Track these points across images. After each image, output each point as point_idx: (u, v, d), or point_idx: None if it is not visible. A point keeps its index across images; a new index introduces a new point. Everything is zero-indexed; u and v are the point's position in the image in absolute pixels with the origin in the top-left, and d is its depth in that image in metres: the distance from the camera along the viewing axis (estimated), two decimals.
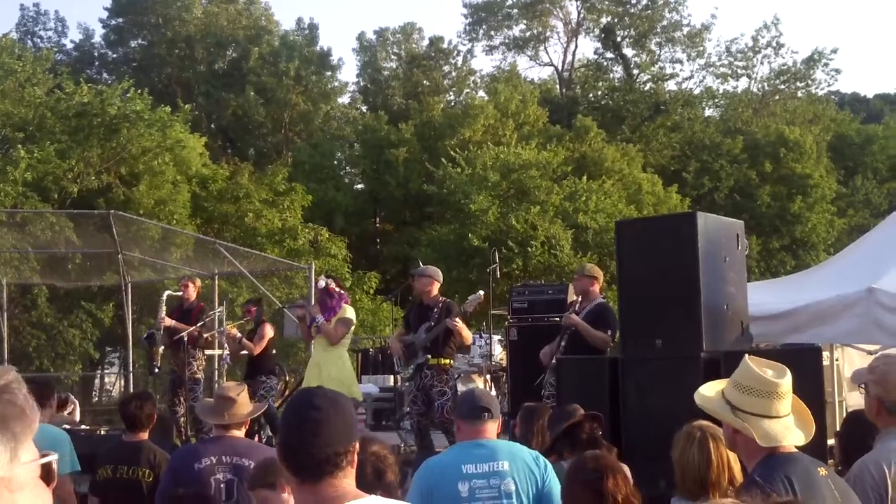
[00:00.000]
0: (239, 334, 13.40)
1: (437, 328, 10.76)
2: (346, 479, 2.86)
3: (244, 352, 13.49)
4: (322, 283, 11.98)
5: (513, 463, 5.38)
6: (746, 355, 4.17)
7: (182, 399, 13.30)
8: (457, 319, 10.72)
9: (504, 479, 5.31)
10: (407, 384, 12.28)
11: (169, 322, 13.45)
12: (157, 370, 14.29)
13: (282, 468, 2.95)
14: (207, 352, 14.86)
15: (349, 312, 11.78)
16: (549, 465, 5.57)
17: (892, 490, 4.51)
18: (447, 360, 11.01)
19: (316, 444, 2.82)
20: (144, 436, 7.23)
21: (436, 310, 10.94)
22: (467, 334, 11.14)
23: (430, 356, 10.88)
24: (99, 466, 7.15)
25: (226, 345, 13.92)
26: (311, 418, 2.86)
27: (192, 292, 13.86)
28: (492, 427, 5.51)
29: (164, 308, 13.66)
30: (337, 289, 11.91)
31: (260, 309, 13.96)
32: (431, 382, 10.87)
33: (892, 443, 4.72)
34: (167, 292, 14.23)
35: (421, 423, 11.10)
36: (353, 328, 11.98)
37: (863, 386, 4.96)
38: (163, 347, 13.68)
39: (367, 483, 4.12)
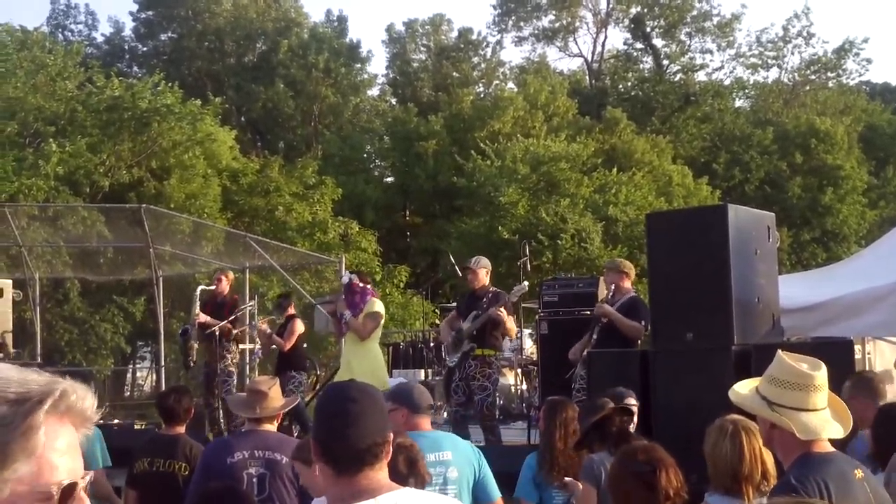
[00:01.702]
0: (269, 329, 13.16)
1: (482, 317, 10.71)
2: (382, 472, 2.87)
3: (274, 346, 13.31)
4: (345, 279, 11.94)
5: (455, 452, 5.63)
6: (780, 350, 4.14)
7: (216, 392, 13.24)
8: (501, 309, 10.64)
9: (448, 467, 5.54)
10: (443, 374, 12.21)
11: (203, 318, 13.32)
12: (192, 364, 14.18)
13: (318, 462, 2.93)
14: (240, 346, 14.78)
15: (377, 306, 11.68)
16: (482, 454, 5.85)
17: None
18: (491, 351, 10.91)
19: (354, 436, 2.82)
20: (181, 429, 7.27)
21: (485, 299, 10.82)
22: (511, 325, 11.06)
23: (475, 345, 10.83)
24: (136, 459, 7.19)
25: (257, 339, 13.83)
26: (349, 410, 2.86)
27: (226, 286, 13.70)
28: (429, 420, 5.81)
29: (197, 304, 13.52)
30: (360, 284, 11.81)
31: (289, 303, 13.77)
32: (474, 374, 10.74)
33: None
34: (200, 287, 14.09)
35: (458, 414, 10.94)
36: (382, 321, 11.88)
37: None
38: (197, 343, 13.58)
39: (401, 475, 4.16)
